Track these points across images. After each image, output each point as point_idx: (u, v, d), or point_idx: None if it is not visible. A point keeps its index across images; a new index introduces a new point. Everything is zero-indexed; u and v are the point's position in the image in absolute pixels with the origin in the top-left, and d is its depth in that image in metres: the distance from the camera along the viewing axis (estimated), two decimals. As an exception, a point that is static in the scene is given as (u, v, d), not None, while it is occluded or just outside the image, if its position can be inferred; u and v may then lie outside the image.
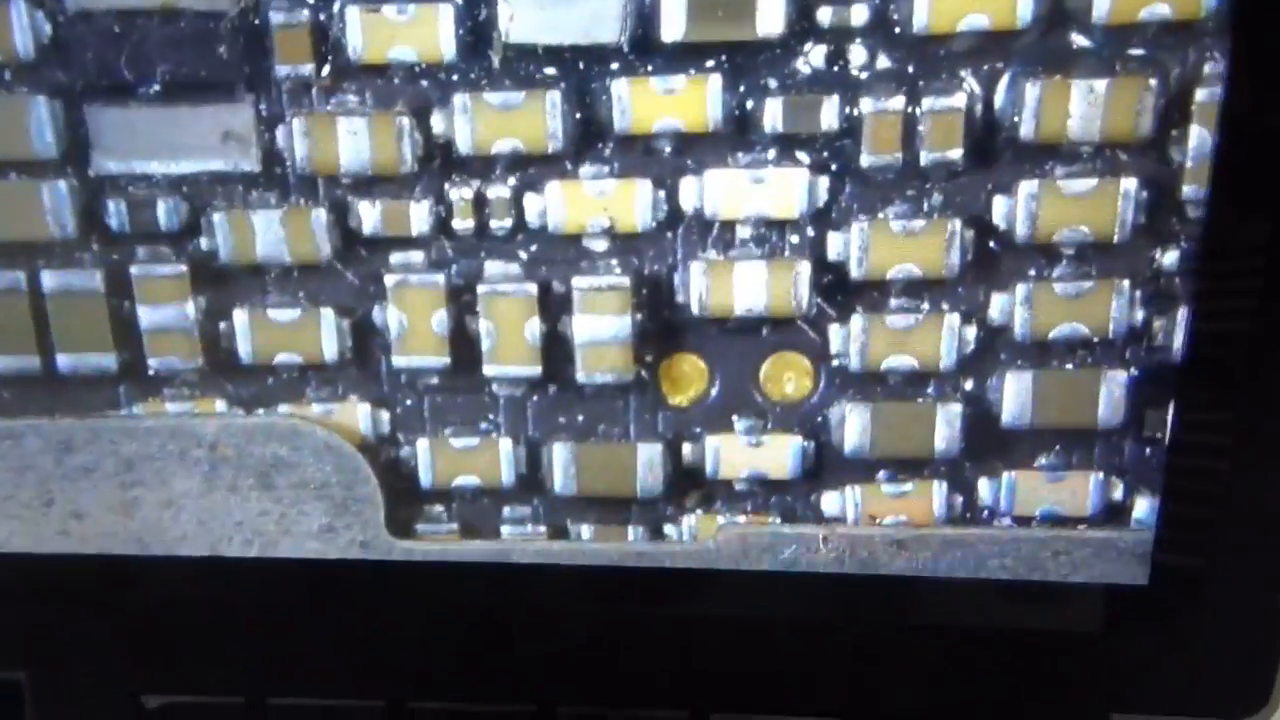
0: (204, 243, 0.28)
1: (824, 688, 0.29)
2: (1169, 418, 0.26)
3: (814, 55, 0.25)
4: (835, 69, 0.25)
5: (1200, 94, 0.24)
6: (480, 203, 0.27)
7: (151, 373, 0.29)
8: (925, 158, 0.25)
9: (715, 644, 0.29)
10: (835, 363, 0.27)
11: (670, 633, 0.29)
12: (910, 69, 0.25)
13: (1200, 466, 0.26)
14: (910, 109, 0.25)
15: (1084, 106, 0.24)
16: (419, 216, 0.27)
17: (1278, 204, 0.24)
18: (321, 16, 0.25)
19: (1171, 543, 0.27)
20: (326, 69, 0.26)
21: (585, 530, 0.29)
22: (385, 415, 0.29)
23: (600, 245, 0.27)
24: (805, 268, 0.26)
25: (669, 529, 0.29)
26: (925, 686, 0.29)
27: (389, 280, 0.27)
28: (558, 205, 0.27)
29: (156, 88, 0.26)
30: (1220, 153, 0.24)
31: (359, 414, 0.29)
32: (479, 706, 0.31)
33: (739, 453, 0.28)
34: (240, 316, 0.28)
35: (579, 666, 0.30)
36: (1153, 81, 0.24)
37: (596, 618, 0.30)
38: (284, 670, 0.31)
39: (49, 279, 0.28)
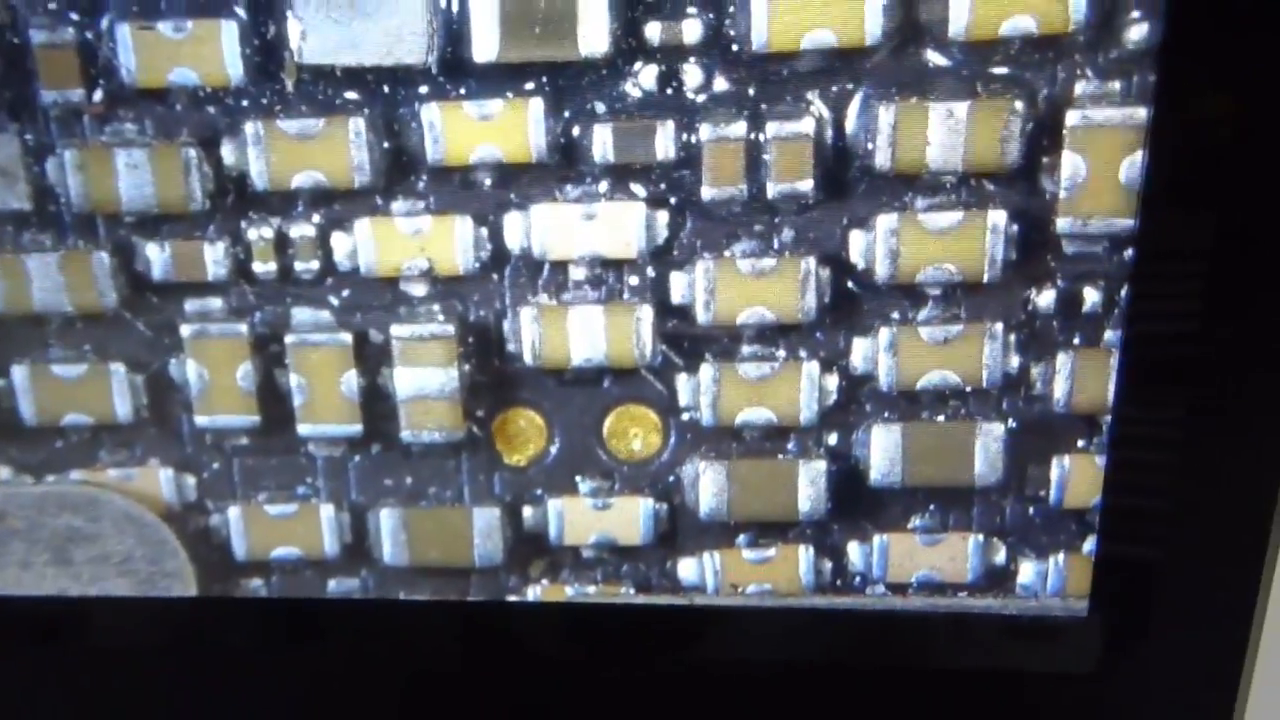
0: (-27, 291, 0.24)
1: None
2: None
3: (644, 76, 0.22)
4: (669, 92, 0.22)
5: (1072, 116, 0.21)
6: (282, 243, 0.24)
7: (-76, 436, 0.25)
8: (773, 189, 0.22)
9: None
10: (685, 417, 0.24)
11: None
12: (751, 91, 0.22)
13: (1141, 503, 0.23)
14: (753, 136, 0.22)
15: (944, 132, 0.22)
16: (214, 259, 0.24)
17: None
18: (89, 35, 0.22)
19: (1113, 573, 0.24)
20: (98, 94, 0.23)
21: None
22: (190, 480, 0.26)
23: (420, 289, 0.24)
24: (647, 312, 0.24)
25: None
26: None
27: (185, 330, 0.24)
28: (369, 245, 0.24)
29: (-89, 117, 0.23)
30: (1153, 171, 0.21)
31: (161, 479, 0.26)
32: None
33: (585, 516, 0.25)
34: (20, 373, 0.25)
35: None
36: (1018, 104, 0.21)
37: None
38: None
39: None
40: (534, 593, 0.26)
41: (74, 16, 0.22)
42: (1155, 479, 0.23)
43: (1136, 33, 0.21)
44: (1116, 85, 0.21)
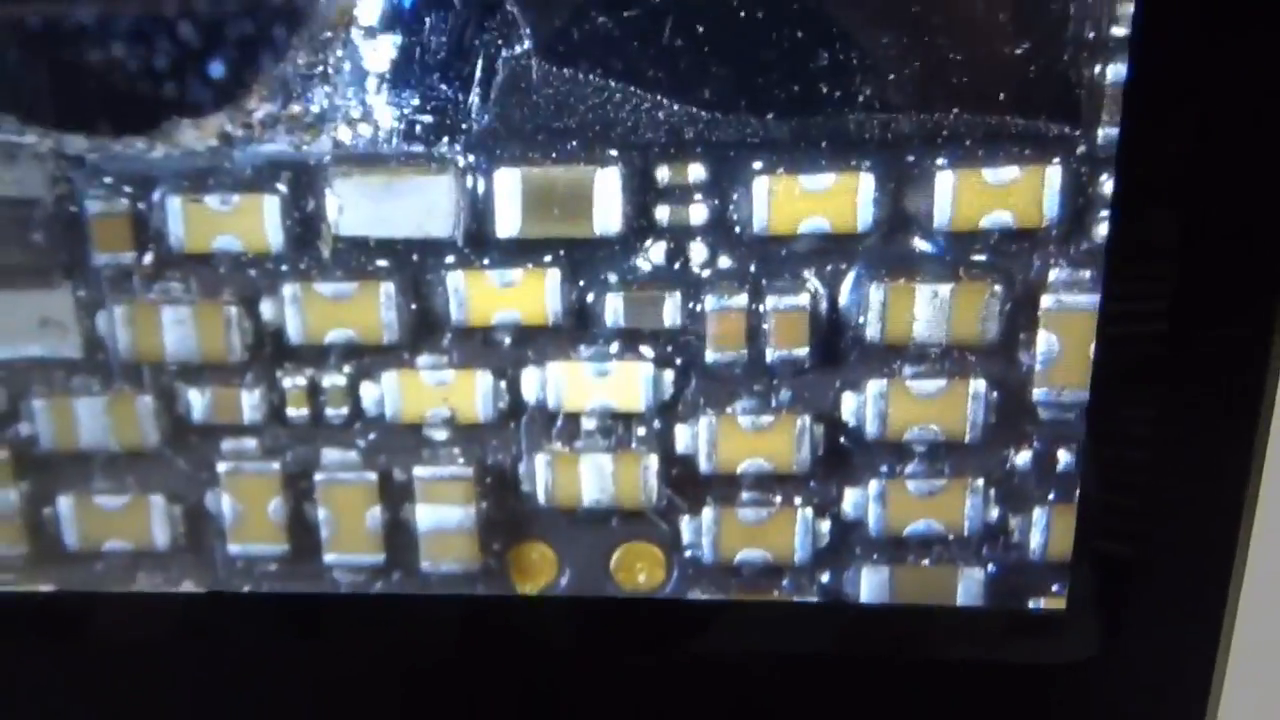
0: (24, 429, 0.26)
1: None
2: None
3: (654, 252, 0.24)
4: (676, 266, 0.24)
5: (1046, 300, 0.23)
6: (314, 391, 0.26)
7: (-28, 559, 0.27)
8: (771, 354, 0.24)
9: None
10: (688, 554, 0.26)
11: None
12: (752, 268, 0.24)
13: (1115, 499, 0.25)
14: (754, 307, 0.24)
15: (929, 310, 0.23)
16: (250, 404, 0.26)
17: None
18: (141, 206, 0.24)
19: (1090, 567, 0.25)
20: (148, 258, 0.25)
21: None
22: (223, 603, 0.27)
23: (441, 434, 0.26)
24: (653, 461, 0.25)
25: None
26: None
27: (221, 467, 0.26)
28: (395, 395, 0.25)
29: (-28, 272, 0.25)
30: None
31: (194, 602, 0.27)
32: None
33: (592, 642, 0.27)
34: (65, 503, 0.27)
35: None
36: (997, 287, 0.23)
37: None
38: None
39: None
40: (543, 711, 0.28)
41: (128, 189, 0.24)
42: (1128, 475, 0.24)
43: (1104, 229, 0.23)
44: (1086, 274, 0.23)
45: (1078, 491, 0.24)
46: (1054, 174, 0.22)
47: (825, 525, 0.26)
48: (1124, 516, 0.24)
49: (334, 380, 0.26)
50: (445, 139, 0.23)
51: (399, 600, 0.27)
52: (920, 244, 0.23)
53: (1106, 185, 0.22)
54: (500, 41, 0.22)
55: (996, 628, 0.26)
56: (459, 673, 0.28)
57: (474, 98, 0.23)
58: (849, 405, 0.25)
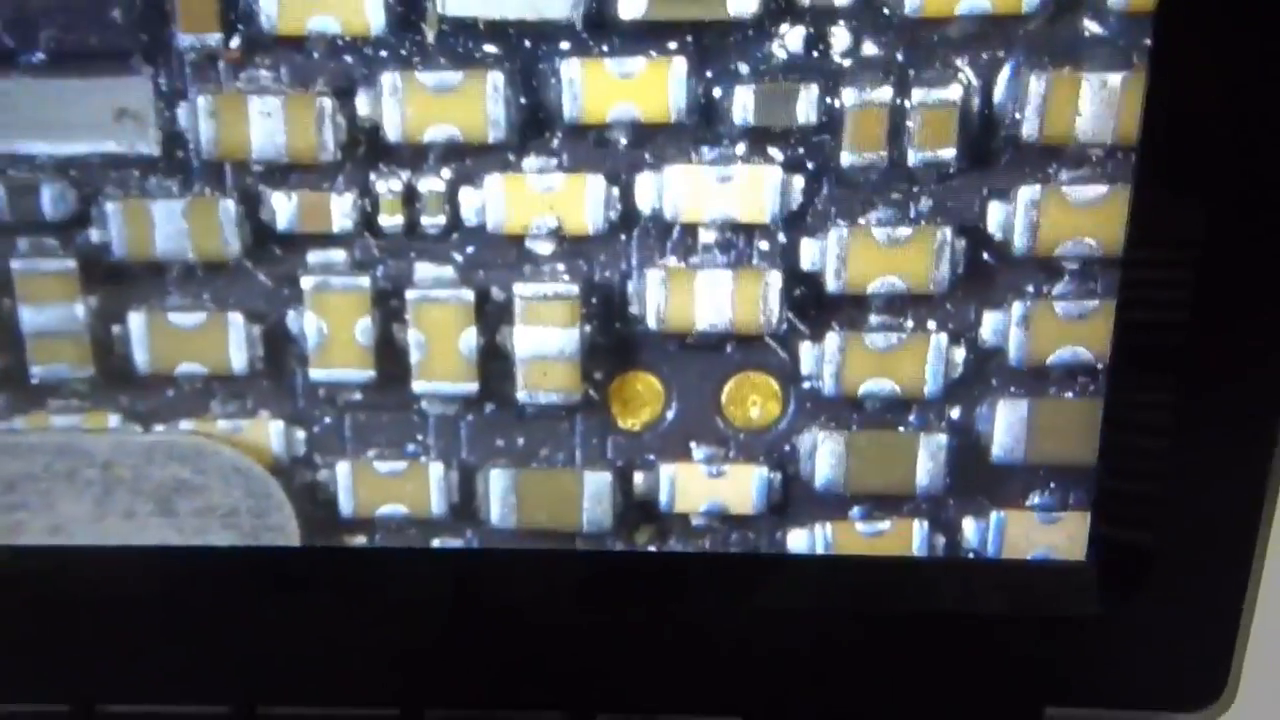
0: (95, 235, 0.24)
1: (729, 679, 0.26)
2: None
3: (791, 38, 0.22)
4: (814, 54, 0.22)
5: (1225, 93, 0.21)
6: (410, 197, 0.24)
7: (35, 382, 0.25)
8: (914, 157, 0.22)
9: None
10: (806, 386, 0.24)
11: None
12: (899, 57, 0.22)
13: (1140, 443, 0.23)
14: (899, 101, 0.22)
15: (1095, 104, 0.21)
16: (341, 211, 0.24)
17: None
18: (250, -21, 0.22)
19: (1112, 517, 0.24)
20: (236, 40, 0.23)
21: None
22: (300, 434, 0.26)
23: (545, 248, 0.24)
24: (776, 279, 0.23)
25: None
26: (843, 677, 0.26)
27: (306, 282, 0.24)
28: (498, 202, 0.23)
29: (40, 56, 0.23)
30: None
31: (271, 432, 0.26)
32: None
33: (698, 484, 0.25)
34: (136, 320, 0.25)
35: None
36: (1172, 77, 0.21)
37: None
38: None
39: (-87, 272, 0.25)
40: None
41: (217, -41, 0.22)
42: (1152, 435, 0.23)
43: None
44: None
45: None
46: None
47: (960, 353, 0.24)
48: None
49: (432, 185, 0.24)
50: (569, -97, 0.21)
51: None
52: (1091, 26, 0.21)
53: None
54: None
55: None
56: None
57: None
58: (996, 216, 0.23)
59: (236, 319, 0.25)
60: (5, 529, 0.26)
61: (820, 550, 0.25)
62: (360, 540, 0.26)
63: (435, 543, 0.26)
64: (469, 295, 0.24)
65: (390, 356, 0.25)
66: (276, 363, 0.25)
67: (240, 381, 0.25)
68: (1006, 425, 0.24)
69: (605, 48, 0.22)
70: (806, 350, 0.24)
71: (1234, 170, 0.20)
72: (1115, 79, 0.21)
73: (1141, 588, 0.23)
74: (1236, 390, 0.22)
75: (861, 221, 0.23)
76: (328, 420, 0.26)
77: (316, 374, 0.25)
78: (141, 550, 0.26)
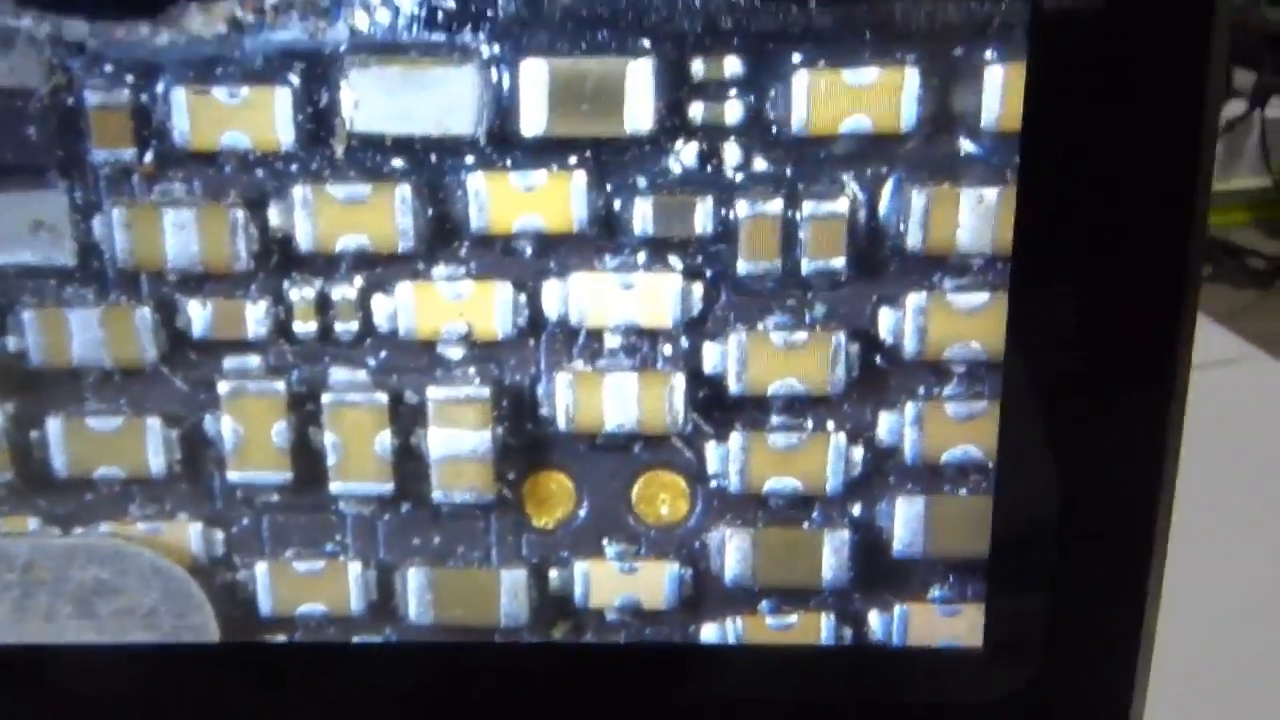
0: (12, 343, 0.25)
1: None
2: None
3: (685, 154, 0.23)
4: (708, 169, 0.23)
5: (1097, 205, 0.22)
6: (324, 304, 0.24)
7: (-47, 486, 0.25)
8: (807, 266, 0.23)
9: None
10: (713, 484, 0.25)
11: None
12: (789, 171, 0.23)
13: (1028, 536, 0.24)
14: (790, 213, 0.23)
15: (973, 217, 0.22)
16: (255, 318, 0.24)
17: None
18: (144, 97, 0.23)
19: (1003, 608, 0.24)
20: (149, 155, 0.23)
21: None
22: (219, 535, 0.26)
23: (456, 353, 0.25)
24: (680, 380, 0.24)
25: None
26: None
27: (223, 387, 0.25)
28: (409, 308, 0.24)
29: (-39, 171, 0.24)
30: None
31: (190, 533, 0.26)
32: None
33: (611, 580, 0.26)
34: (54, 425, 0.25)
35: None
36: (1047, 191, 0.22)
37: None
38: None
39: None
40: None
41: (130, 79, 0.23)
42: (1039, 528, 0.24)
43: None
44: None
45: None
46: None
47: (859, 452, 0.24)
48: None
49: (344, 292, 0.24)
50: (468, 27, 0.22)
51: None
52: (966, 145, 0.22)
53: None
54: (530, -77, 0.21)
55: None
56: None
57: (500, -16, 0.22)
58: (886, 321, 0.24)
59: (154, 423, 0.25)
60: (-77, 632, 0.26)
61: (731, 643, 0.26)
62: (279, 639, 0.27)
63: (354, 640, 0.27)
64: (383, 399, 0.25)
65: (307, 458, 0.25)
66: (194, 465, 0.25)
67: (158, 484, 0.26)
68: (905, 521, 0.25)
69: (509, 161, 0.23)
70: (712, 449, 0.25)
71: (1102, 274, 0.21)
72: (991, 193, 0.22)
73: (1034, 674, 0.24)
74: (1118, 482, 0.23)
75: (759, 327, 0.24)
76: (246, 521, 0.26)
77: (234, 476, 0.25)
78: (56, 649, 0.26)
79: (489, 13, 0.22)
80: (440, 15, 0.22)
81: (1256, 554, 0.37)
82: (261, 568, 0.26)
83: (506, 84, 0.22)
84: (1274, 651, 0.33)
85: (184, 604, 0.26)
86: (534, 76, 0.22)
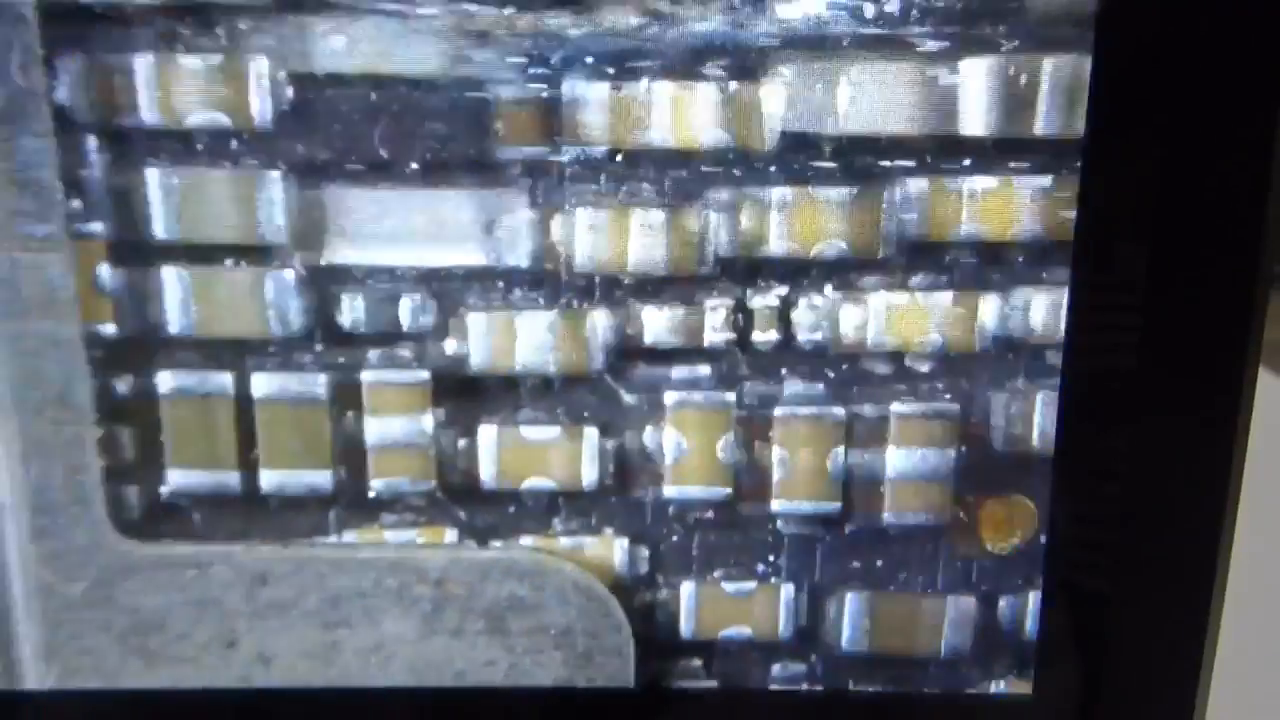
0: (451, 346, 0.23)
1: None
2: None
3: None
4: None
5: None
6: (785, 310, 0.23)
7: (372, 495, 0.24)
8: None
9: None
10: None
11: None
12: None
13: None
14: None
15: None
16: (713, 325, 0.23)
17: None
18: (622, 91, 0.22)
19: None
20: (619, 155, 0.22)
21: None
22: (645, 552, 0.25)
23: (924, 365, 0.23)
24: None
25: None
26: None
27: (669, 398, 0.23)
28: (880, 316, 0.23)
29: (414, 166, 0.22)
30: None
31: (615, 550, 0.25)
32: None
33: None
34: (487, 433, 0.24)
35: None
36: None
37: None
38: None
39: (261, 383, 0.24)
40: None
41: (612, 72, 0.22)
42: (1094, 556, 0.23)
43: None
44: None
45: None
46: None
47: None
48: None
49: (813, 300, 0.23)
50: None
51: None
52: None
53: None
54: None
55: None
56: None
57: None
58: None
59: (591, 434, 0.24)
60: (323, 647, 0.25)
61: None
62: (695, 663, 0.25)
63: (775, 668, 0.25)
64: (840, 413, 0.23)
65: (749, 475, 0.24)
66: (626, 479, 0.24)
67: (587, 497, 0.24)
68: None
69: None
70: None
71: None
72: None
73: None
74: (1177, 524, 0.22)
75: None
76: (675, 539, 0.24)
77: (670, 491, 0.24)
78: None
79: None
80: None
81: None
82: (688, 588, 0.25)
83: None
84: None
85: (601, 623, 0.25)
86: None
